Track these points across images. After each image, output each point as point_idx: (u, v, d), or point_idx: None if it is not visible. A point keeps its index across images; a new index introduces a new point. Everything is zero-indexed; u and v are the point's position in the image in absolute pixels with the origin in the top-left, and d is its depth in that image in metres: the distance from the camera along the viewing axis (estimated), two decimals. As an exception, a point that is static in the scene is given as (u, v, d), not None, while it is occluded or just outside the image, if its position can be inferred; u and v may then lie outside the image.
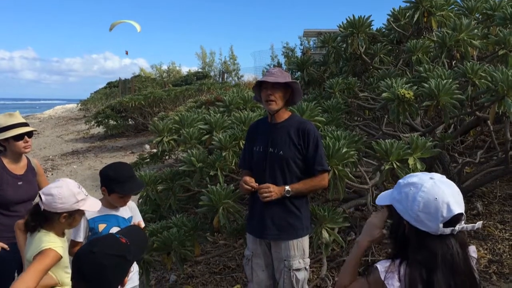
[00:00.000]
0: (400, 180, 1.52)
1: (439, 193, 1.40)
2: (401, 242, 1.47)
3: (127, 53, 26.82)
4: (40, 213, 2.22)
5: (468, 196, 5.14)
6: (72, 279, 1.64)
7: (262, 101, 2.91)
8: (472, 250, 1.50)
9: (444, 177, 1.48)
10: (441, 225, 1.39)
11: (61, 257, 2.18)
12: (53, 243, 2.17)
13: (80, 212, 2.30)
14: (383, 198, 1.57)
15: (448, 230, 1.39)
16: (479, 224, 1.48)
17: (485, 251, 4.02)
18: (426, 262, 1.39)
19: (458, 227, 1.40)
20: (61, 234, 2.31)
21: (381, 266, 1.44)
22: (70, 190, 2.22)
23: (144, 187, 3.91)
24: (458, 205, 1.40)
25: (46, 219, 2.22)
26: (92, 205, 2.33)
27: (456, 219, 1.40)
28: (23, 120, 3.18)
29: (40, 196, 2.23)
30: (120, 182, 2.65)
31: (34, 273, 2.03)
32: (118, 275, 1.67)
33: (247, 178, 2.86)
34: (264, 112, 4.14)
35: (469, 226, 1.43)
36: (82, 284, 1.60)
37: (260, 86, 2.92)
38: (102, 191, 2.71)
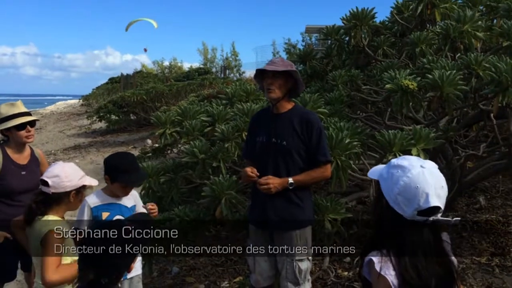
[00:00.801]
0: (393, 160, 1.54)
1: (422, 182, 1.42)
2: (377, 220, 1.53)
3: (145, 50, 26.44)
4: (48, 199, 2.25)
5: (471, 190, 5.13)
6: (79, 264, 1.65)
7: (264, 89, 2.90)
8: (445, 236, 1.54)
9: (436, 167, 1.49)
10: (415, 212, 1.43)
11: (63, 234, 2.21)
12: (51, 225, 2.22)
13: (85, 188, 2.37)
14: (374, 172, 1.60)
15: (421, 219, 1.43)
16: (455, 220, 1.48)
17: (488, 245, 4.02)
18: (397, 245, 1.43)
19: (432, 218, 1.43)
20: (62, 218, 2.33)
21: (375, 258, 1.46)
22: (71, 168, 2.33)
23: (147, 179, 3.91)
24: (437, 198, 1.43)
25: (55, 202, 2.27)
26: (92, 181, 2.43)
27: (432, 210, 1.43)
28: (25, 110, 3.18)
29: (44, 182, 2.25)
30: (123, 172, 2.66)
31: (49, 264, 2.10)
32: (123, 262, 1.70)
33: (249, 169, 2.84)
34: (267, 103, 4.13)
35: (444, 219, 1.46)
36: (90, 269, 1.61)
37: (262, 75, 2.91)
38: (105, 179, 2.72)
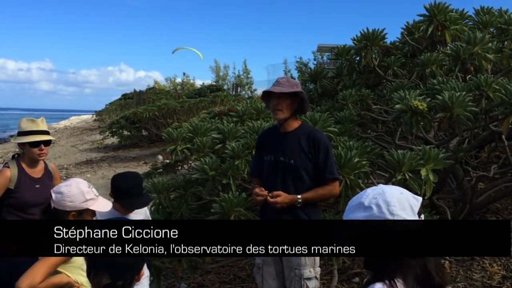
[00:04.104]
0: (355, 203, 1.37)
1: (397, 188, 1.36)
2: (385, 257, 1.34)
3: (184, 74, 30.27)
4: (51, 212, 2.26)
5: (482, 212, 5.07)
6: (92, 269, 1.67)
7: (271, 109, 2.93)
8: None
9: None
10: (419, 217, 1.33)
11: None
12: None
13: (90, 212, 2.31)
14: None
15: (423, 217, 1.36)
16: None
17: (499, 267, 3.96)
18: (419, 261, 1.31)
19: (423, 215, 1.36)
20: None
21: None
22: (79, 188, 2.26)
23: (152, 199, 3.94)
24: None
25: (56, 217, 2.25)
26: (101, 206, 2.35)
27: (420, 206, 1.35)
28: (44, 128, 3.23)
29: (51, 195, 2.28)
30: (126, 195, 2.69)
31: (40, 268, 2.06)
32: (136, 264, 1.74)
33: (257, 189, 2.86)
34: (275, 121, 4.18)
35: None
36: (105, 272, 1.63)
37: (269, 95, 2.95)
38: (110, 195, 2.76)
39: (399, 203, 1.30)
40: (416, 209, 1.32)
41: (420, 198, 1.35)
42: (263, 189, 2.86)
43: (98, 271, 1.65)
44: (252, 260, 4.50)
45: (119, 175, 2.82)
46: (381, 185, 1.39)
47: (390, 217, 1.29)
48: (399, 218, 1.29)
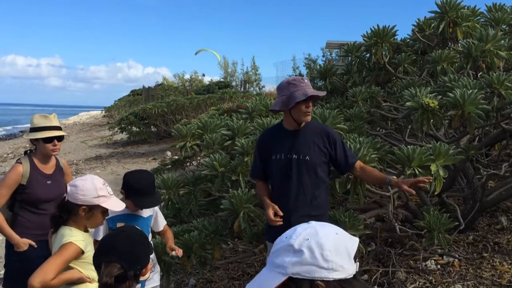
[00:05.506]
0: (283, 244, 1.13)
1: (332, 228, 1.16)
2: None
3: (204, 75, 32.35)
4: (65, 206, 2.29)
5: (492, 210, 5.04)
6: (101, 263, 1.69)
7: (299, 112, 2.82)
8: None
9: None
10: (354, 262, 1.13)
11: (82, 251, 2.22)
12: (74, 236, 2.22)
13: (101, 209, 2.31)
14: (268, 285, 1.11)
15: (357, 264, 1.16)
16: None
17: (509, 266, 3.93)
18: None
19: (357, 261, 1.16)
20: (84, 230, 2.36)
21: None
22: (93, 184, 2.27)
23: (162, 195, 3.97)
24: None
25: (68, 211, 2.28)
26: (113, 205, 2.34)
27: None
28: (57, 124, 3.26)
29: (66, 188, 2.31)
30: (138, 194, 2.71)
31: (52, 265, 2.08)
32: (145, 253, 1.78)
33: (271, 212, 2.80)
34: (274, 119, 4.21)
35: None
36: (116, 262, 1.67)
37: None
38: (120, 192, 2.77)
39: (335, 246, 1.10)
40: (353, 252, 1.13)
41: (357, 239, 1.18)
42: (277, 209, 2.81)
43: (109, 262, 1.67)
44: (261, 257, 4.52)
45: (132, 173, 2.82)
46: (313, 222, 1.18)
47: (323, 264, 1.08)
48: (333, 265, 1.08)
